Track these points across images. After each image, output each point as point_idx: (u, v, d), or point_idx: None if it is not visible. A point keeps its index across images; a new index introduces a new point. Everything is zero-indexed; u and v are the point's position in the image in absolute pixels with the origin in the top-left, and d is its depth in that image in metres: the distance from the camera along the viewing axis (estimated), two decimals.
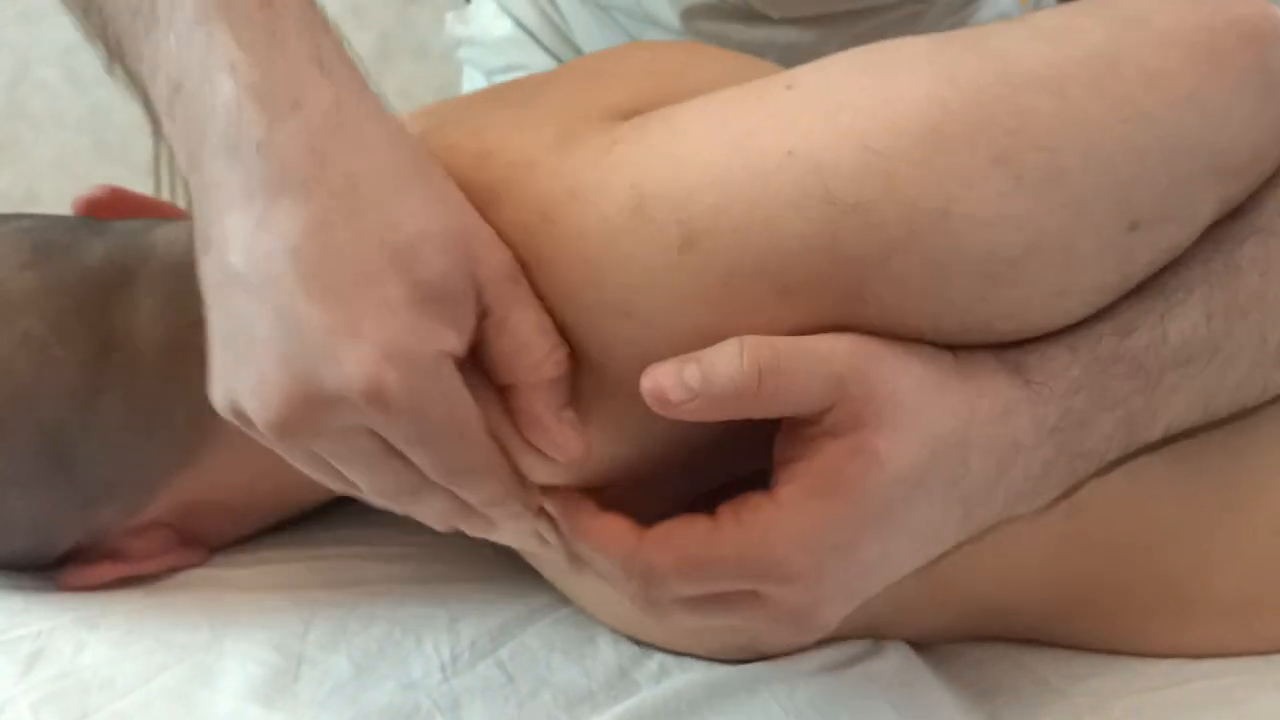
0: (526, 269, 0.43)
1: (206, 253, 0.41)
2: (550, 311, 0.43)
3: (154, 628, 0.58)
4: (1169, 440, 0.46)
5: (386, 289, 0.39)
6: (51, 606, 0.60)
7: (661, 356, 0.41)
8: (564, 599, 0.61)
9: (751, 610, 0.43)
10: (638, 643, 0.58)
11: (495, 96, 0.55)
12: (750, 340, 0.40)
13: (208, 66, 0.40)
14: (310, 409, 0.39)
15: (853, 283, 0.40)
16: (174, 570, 0.63)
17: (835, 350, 0.40)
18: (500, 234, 0.43)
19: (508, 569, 0.64)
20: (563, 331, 0.43)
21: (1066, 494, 0.45)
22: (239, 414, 0.41)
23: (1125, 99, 0.41)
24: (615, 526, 0.43)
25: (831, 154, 0.40)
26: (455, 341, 0.40)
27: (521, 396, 0.43)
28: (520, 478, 0.44)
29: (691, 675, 0.55)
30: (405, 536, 0.68)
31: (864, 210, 0.40)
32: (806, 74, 0.44)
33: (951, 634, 0.59)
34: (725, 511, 0.42)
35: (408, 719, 0.52)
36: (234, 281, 0.40)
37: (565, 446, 0.43)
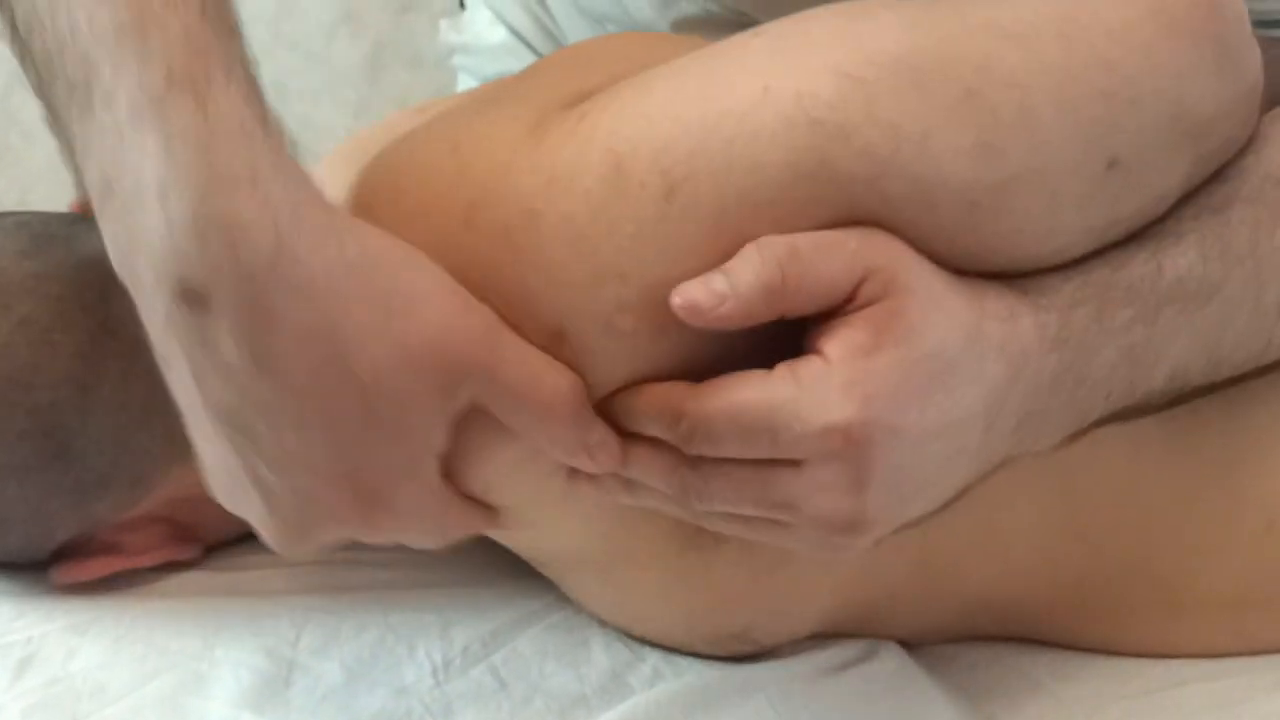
0: (511, 269, 0.43)
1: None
2: (543, 307, 0.43)
3: (145, 634, 0.58)
4: (1176, 402, 0.47)
5: (349, 422, 0.41)
6: (42, 612, 0.59)
7: (659, 315, 0.41)
8: (558, 603, 0.61)
9: (795, 511, 0.42)
10: (631, 647, 0.58)
11: (471, 101, 0.55)
12: (764, 239, 0.41)
13: (140, 185, 0.39)
14: (306, 543, 0.45)
15: (844, 207, 0.41)
16: (169, 565, 0.63)
17: (849, 234, 0.41)
18: (483, 244, 0.43)
19: (501, 574, 0.64)
20: (559, 321, 0.43)
21: (1074, 437, 0.46)
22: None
23: (1087, 46, 0.43)
24: (667, 387, 0.43)
25: (809, 83, 0.41)
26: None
27: (549, 432, 0.43)
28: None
29: (685, 679, 0.55)
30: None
31: (848, 132, 0.41)
32: (772, 26, 0.45)
33: (946, 632, 0.59)
34: (779, 367, 0.41)
35: None
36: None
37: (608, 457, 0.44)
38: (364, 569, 0.64)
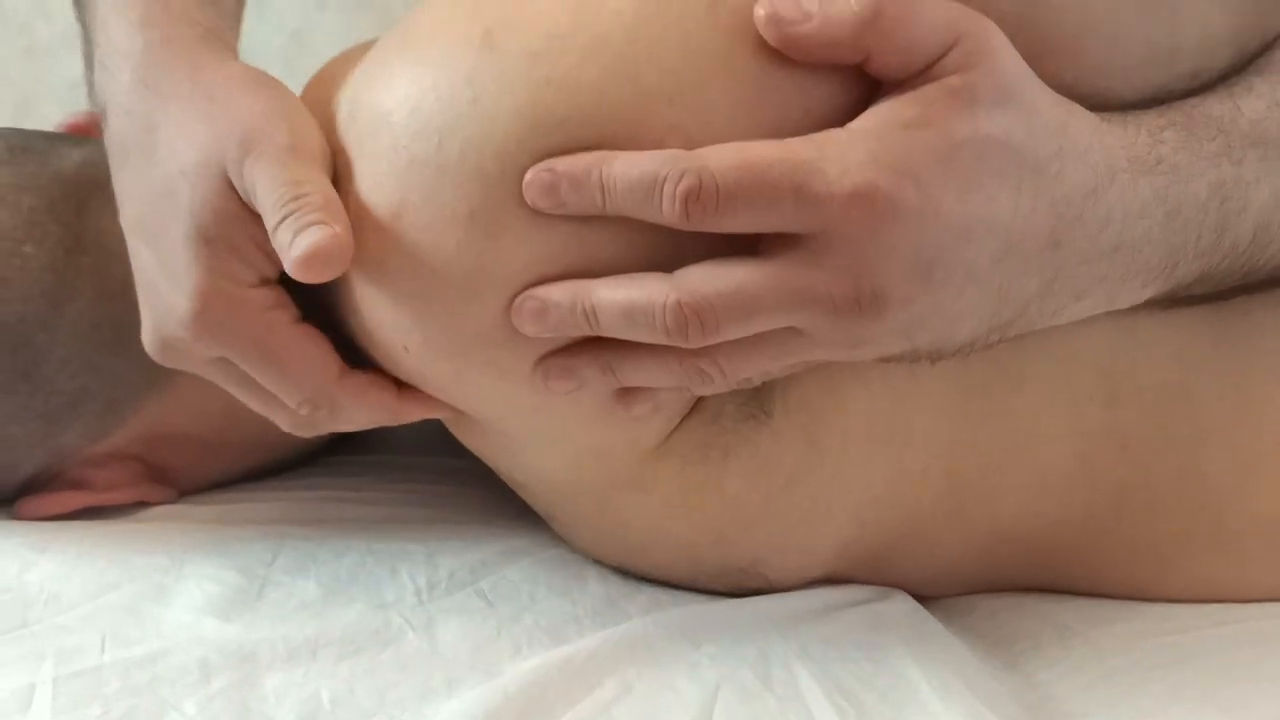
0: (545, 101, 0.39)
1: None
2: (581, 131, 0.39)
3: (109, 550, 0.54)
4: (1236, 291, 0.45)
5: (176, 239, 0.44)
6: None
7: (710, 142, 0.38)
8: (551, 541, 0.57)
9: (806, 307, 0.38)
10: (628, 580, 0.54)
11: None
12: None
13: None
14: (167, 347, 0.47)
15: None
16: (139, 506, 0.59)
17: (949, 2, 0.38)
18: (504, 65, 0.40)
19: (492, 515, 0.60)
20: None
21: (1161, 302, 0.43)
22: None
23: None
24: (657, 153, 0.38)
25: None
26: (246, 272, 0.44)
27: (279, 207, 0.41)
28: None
29: (687, 607, 0.51)
30: (386, 485, 0.64)
31: None
32: None
33: (967, 577, 0.55)
34: (794, 139, 0.38)
35: (375, 634, 0.47)
36: (127, 239, 0.48)
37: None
38: (349, 504, 0.61)
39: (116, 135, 0.47)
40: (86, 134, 0.63)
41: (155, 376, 0.57)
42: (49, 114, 1.77)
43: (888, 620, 0.51)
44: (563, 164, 0.38)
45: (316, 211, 0.41)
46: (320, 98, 0.46)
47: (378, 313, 0.43)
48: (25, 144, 0.59)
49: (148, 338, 0.48)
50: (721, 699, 0.44)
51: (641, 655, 0.46)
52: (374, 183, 0.42)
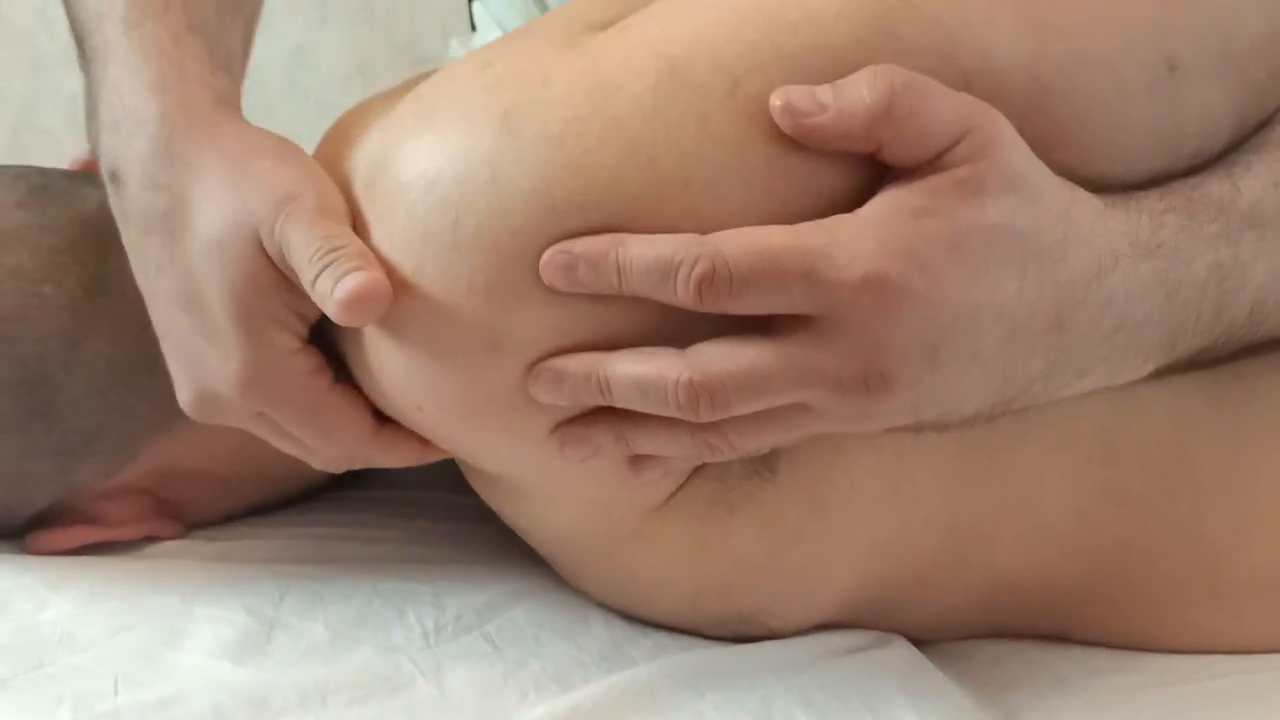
0: (562, 184, 0.40)
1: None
2: (600, 216, 0.40)
3: (122, 590, 0.54)
4: (1234, 355, 0.45)
5: (217, 311, 0.45)
6: (11, 567, 0.56)
7: (724, 225, 0.39)
8: (555, 583, 0.58)
9: (814, 386, 0.39)
10: (633, 624, 0.54)
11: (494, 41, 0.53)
12: (882, 65, 0.38)
13: (100, 97, 0.49)
14: (208, 405, 0.49)
15: None
16: (148, 541, 0.60)
17: (961, 92, 0.39)
18: (523, 148, 0.40)
19: (496, 554, 0.61)
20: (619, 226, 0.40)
21: (1159, 374, 0.44)
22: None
23: None
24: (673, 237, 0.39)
25: None
26: (287, 339, 0.46)
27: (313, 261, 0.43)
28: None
29: (691, 654, 0.52)
30: (390, 522, 0.65)
31: (914, 4, 0.40)
32: None
33: (968, 623, 0.56)
34: (805, 224, 0.39)
35: (386, 680, 0.48)
36: (153, 303, 0.49)
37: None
38: (354, 543, 0.61)
39: (140, 205, 0.47)
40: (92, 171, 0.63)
41: (168, 414, 0.58)
42: (51, 125, 1.78)
43: (887, 668, 0.52)
44: (580, 246, 0.39)
45: (354, 259, 0.42)
46: (336, 156, 0.47)
47: (392, 373, 0.44)
48: (46, 184, 0.60)
49: (186, 395, 0.49)
50: None
51: (647, 704, 0.47)
52: (390, 248, 0.42)
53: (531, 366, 0.41)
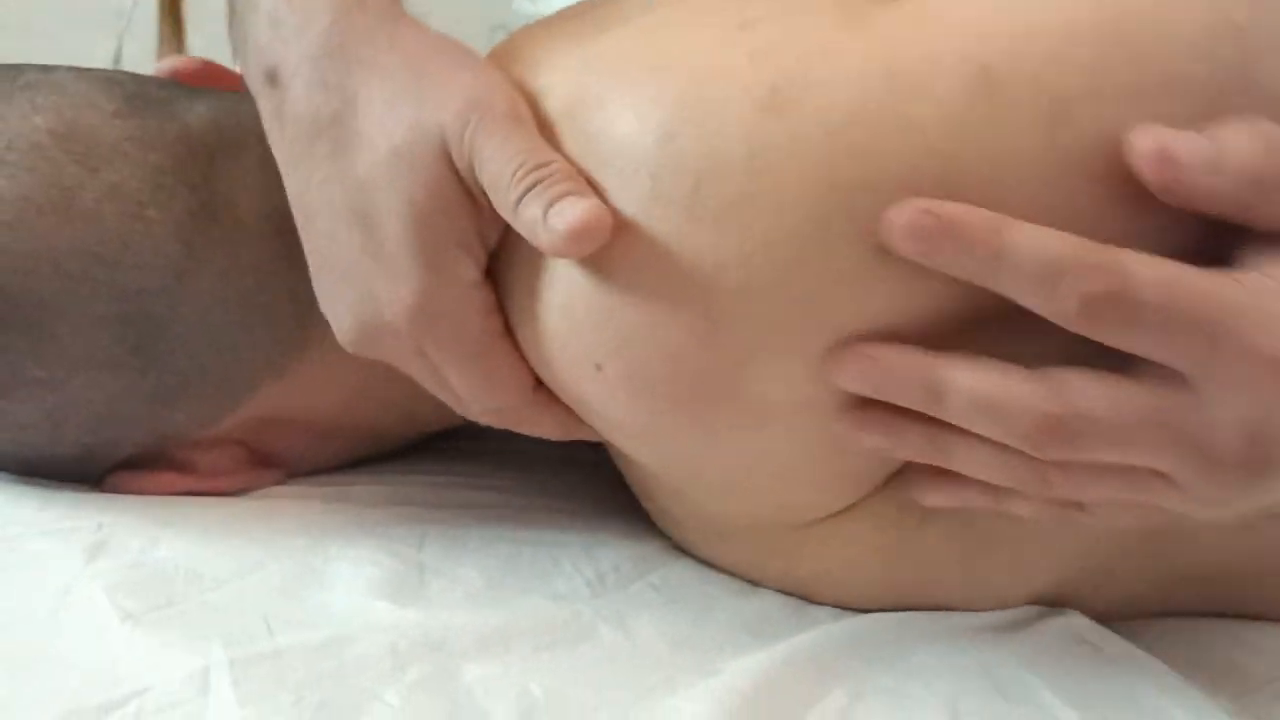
0: (835, 173, 0.35)
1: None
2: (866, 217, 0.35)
3: (240, 528, 0.49)
4: None
5: (393, 226, 0.41)
6: (109, 503, 0.50)
7: None
8: None
9: (1182, 454, 0.34)
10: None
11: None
12: (1255, 118, 0.33)
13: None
14: (370, 336, 0.44)
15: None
16: (244, 491, 0.54)
17: None
18: (792, 130, 0.36)
19: (625, 512, 0.56)
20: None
21: None
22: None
23: None
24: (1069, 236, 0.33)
25: None
26: (469, 267, 0.42)
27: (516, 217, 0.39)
28: None
29: (873, 615, 0.47)
30: (503, 473, 0.59)
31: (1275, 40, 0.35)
32: None
33: (1142, 606, 0.52)
34: (1217, 272, 0.33)
35: (566, 626, 0.43)
36: (310, 220, 0.44)
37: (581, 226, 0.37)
38: (490, 492, 0.56)
39: (304, 108, 0.43)
40: (201, 84, 0.57)
41: (278, 360, 0.52)
42: None
43: (1080, 636, 0.48)
44: (956, 211, 0.34)
45: (565, 180, 0.38)
46: (517, 72, 0.43)
47: (578, 321, 0.40)
48: (142, 92, 0.53)
49: (346, 323, 0.45)
50: (963, 703, 0.41)
51: (866, 654, 0.43)
52: (600, 182, 0.38)
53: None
